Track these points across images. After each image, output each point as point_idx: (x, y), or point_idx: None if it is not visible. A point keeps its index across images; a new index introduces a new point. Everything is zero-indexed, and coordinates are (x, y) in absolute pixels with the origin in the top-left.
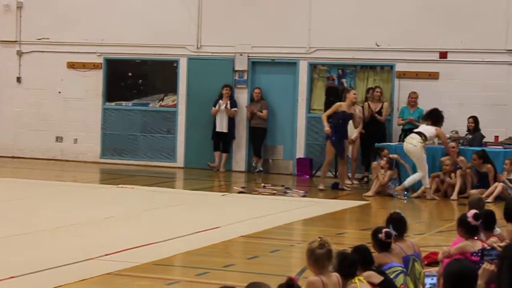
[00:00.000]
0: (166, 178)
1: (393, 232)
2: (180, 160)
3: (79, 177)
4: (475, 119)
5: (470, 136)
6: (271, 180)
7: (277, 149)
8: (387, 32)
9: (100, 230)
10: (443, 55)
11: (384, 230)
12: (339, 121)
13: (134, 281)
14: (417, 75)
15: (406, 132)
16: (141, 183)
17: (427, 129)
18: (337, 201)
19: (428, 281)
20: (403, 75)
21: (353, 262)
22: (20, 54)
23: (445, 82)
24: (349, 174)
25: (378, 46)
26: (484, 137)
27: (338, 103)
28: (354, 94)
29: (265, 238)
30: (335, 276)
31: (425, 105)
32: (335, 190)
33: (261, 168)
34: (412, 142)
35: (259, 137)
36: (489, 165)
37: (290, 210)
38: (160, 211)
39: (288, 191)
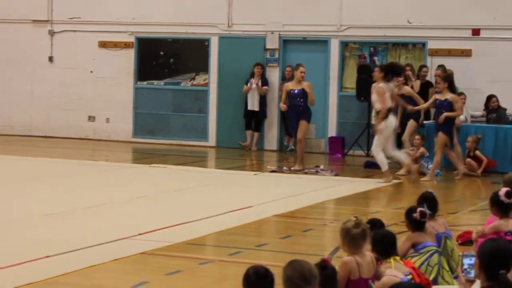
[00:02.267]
0: (198, 158)
1: (428, 211)
2: (212, 139)
3: (111, 157)
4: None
5: (494, 115)
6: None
7: (309, 128)
8: (419, 9)
9: (132, 210)
10: (476, 32)
11: (419, 209)
12: (292, 100)
13: (168, 260)
14: (449, 53)
15: None
16: (173, 162)
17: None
18: (369, 180)
19: (466, 261)
20: (435, 52)
21: (391, 242)
22: (52, 33)
23: (478, 59)
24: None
25: (410, 23)
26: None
27: (286, 84)
28: (301, 72)
29: (298, 217)
30: (369, 256)
31: (458, 83)
32: (368, 168)
33: (293, 147)
34: None
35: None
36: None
37: (322, 189)
38: (193, 190)
39: (319, 170)
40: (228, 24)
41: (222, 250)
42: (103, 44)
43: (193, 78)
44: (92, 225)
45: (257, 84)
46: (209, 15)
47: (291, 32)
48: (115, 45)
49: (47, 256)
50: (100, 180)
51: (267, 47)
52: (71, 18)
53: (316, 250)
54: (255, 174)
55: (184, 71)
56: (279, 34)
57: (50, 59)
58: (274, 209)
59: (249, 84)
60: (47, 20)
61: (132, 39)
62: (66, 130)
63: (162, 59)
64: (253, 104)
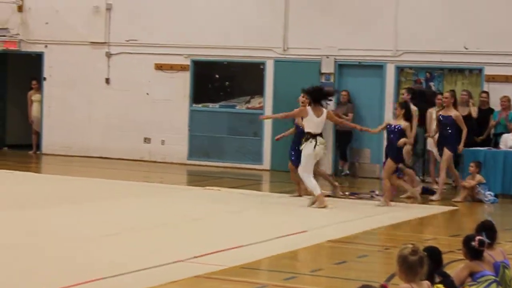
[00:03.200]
0: (253, 181)
1: (486, 240)
2: (266, 163)
3: (166, 179)
4: None
5: None
6: (357, 183)
7: (363, 152)
8: (475, 35)
9: (187, 232)
10: None
11: (477, 238)
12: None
13: (222, 284)
14: (507, 79)
15: (496, 136)
16: (227, 185)
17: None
18: (425, 206)
19: None
20: (492, 79)
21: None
22: (109, 55)
23: None
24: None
25: (466, 49)
26: None
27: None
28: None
29: (353, 243)
30: (426, 284)
31: None
32: (424, 194)
33: (347, 172)
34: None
35: (345, 141)
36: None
37: (377, 215)
38: (247, 214)
39: (375, 196)
40: (284, 48)
41: (277, 275)
42: (159, 67)
43: (248, 101)
44: (147, 247)
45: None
46: (265, 39)
47: (347, 56)
48: (171, 67)
49: (102, 278)
50: (155, 202)
51: (323, 71)
52: (128, 41)
53: (371, 276)
54: (310, 199)
55: (239, 94)
56: (335, 59)
57: (107, 81)
58: (329, 234)
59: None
60: (105, 42)
61: (188, 61)
62: (122, 151)
63: (218, 82)
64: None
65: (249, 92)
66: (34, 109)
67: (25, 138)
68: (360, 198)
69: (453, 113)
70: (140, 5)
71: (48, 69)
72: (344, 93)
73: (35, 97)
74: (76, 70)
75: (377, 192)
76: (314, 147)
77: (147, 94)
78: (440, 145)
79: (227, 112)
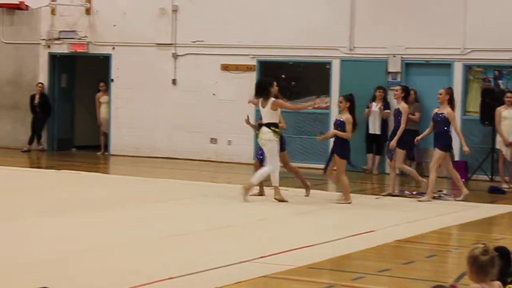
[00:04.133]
0: (319, 181)
1: None
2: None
3: (233, 179)
4: None
5: None
6: (424, 183)
7: (430, 152)
8: None
9: (254, 232)
10: None
11: None
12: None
13: (290, 284)
14: None
15: None
16: (294, 185)
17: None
18: (494, 206)
19: None
20: None
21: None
22: (175, 56)
23: None
24: (506, 178)
25: None
26: None
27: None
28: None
29: (420, 242)
30: (497, 284)
31: None
32: (492, 194)
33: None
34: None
35: (412, 140)
36: None
37: (445, 215)
38: (314, 213)
39: (442, 195)
40: (350, 47)
41: (344, 275)
42: (225, 67)
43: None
44: (214, 247)
45: (379, 108)
46: (331, 38)
47: (414, 55)
48: (237, 68)
49: (170, 278)
50: (221, 202)
51: (389, 70)
52: (195, 42)
53: (440, 276)
54: (377, 198)
55: (305, 94)
56: (402, 57)
57: (174, 81)
58: (397, 234)
59: (370, 108)
60: (171, 44)
61: (254, 62)
62: (189, 152)
63: (284, 82)
64: (374, 128)
65: (315, 92)
66: (102, 111)
67: (93, 139)
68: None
69: (446, 110)
70: (206, 6)
71: (115, 71)
72: (411, 92)
73: (103, 98)
74: (143, 71)
75: (444, 192)
76: (257, 137)
77: (214, 94)
78: (434, 142)
79: (293, 112)
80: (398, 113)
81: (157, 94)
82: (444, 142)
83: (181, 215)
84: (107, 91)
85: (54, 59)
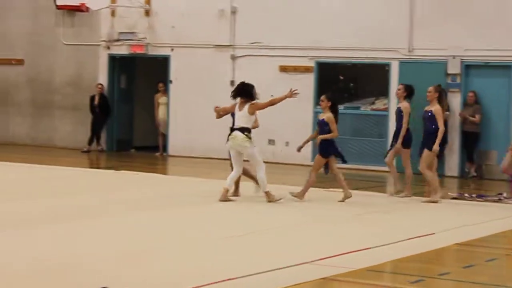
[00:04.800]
0: (377, 183)
1: None
2: None
3: (288, 180)
4: None
5: None
6: (485, 186)
7: (491, 154)
8: None
9: (312, 234)
10: None
11: None
12: None
13: (349, 286)
14: None
15: None
16: (351, 187)
17: (242, 115)
18: None
19: None
20: None
21: None
22: (233, 58)
23: None
24: None
25: None
26: None
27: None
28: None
29: (481, 246)
30: None
31: None
32: None
33: (474, 174)
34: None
35: (472, 142)
36: None
37: (505, 218)
38: (372, 216)
39: (502, 198)
40: (409, 48)
41: (403, 278)
42: (283, 69)
43: (373, 103)
44: (273, 248)
45: None
46: (390, 40)
47: (473, 57)
48: (295, 69)
49: (230, 279)
50: (279, 203)
51: (449, 72)
52: (253, 43)
53: (500, 280)
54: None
55: (363, 96)
56: (461, 59)
57: (232, 83)
58: (456, 237)
59: None
60: (230, 45)
61: (312, 63)
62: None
63: (342, 83)
64: None
65: (373, 94)
66: (161, 112)
67: (152, 140)
68: (487, 201)
69: (433, 108)
70: (264, 7)
71: (174, 72)
72: (470, 94)
73: (161, 99)
74: (201, 72)
75: (505, 195)
76: (228, 140)
77: (271, 96)
78: (422, 141)
79: (351, 113)
80: (399, 112)
81: (215, 95)
82: (433, 142)
83: (239, 216)
84: (165, 92)
85: (114, 60)
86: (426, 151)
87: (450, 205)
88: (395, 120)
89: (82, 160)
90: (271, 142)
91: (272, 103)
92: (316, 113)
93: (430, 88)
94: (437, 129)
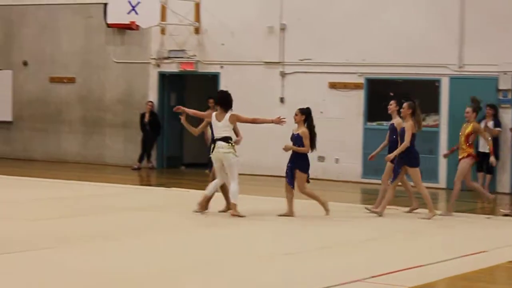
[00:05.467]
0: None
1: None
2: (442, 181)
3: (340, 197)
4: None
5: None
6: None
7: None
8: None
9: (363, 251)
10: None
11: None
12: None
13: None
14: None
15: None
16: (404, 204)
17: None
18: None
19: None
20: None
21: None
22: (283, 75)
23: None
24: None
25: None
26: None
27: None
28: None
29: None
30: None
31: None
32: None
33: None
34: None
35: None
36: None
37: None
38: (423, 233)
39: None
40: (459, 64)
41: None
42: (333, 85)
43: (423, 119)
44: (324, 266)
45: (486, 126)
46: (440, 56)
47: None
48: (345, 86)
49: None
50: (329, 220)
51: (500, 87)
52: (302, 60)
53: None
54: (488, 218)
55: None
56: None
57: (281, 100)
58: (509, 255)
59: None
60: (279, 62)
61: (361, 80)
62: None
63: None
64: (484, 146)
65: (424, 110)
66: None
67: (202, 157)
68: None
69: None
70: (313, 24)
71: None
72: None
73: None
74: (250, 90)
75: None
76: (212, 150)
77: (321, 112)
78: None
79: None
80: (392, 128)
81: (265, 112)
82: (408, 157)
83: (292, 233)
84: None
85: (164, 78)
86: (406, 168)
87: (502, 222)
88: (387, 136)
89: (132, 178)
90: (321, 158)
91: (254, 121)
92: (366, 130)
93: (404, 105)
94: (413, 145)
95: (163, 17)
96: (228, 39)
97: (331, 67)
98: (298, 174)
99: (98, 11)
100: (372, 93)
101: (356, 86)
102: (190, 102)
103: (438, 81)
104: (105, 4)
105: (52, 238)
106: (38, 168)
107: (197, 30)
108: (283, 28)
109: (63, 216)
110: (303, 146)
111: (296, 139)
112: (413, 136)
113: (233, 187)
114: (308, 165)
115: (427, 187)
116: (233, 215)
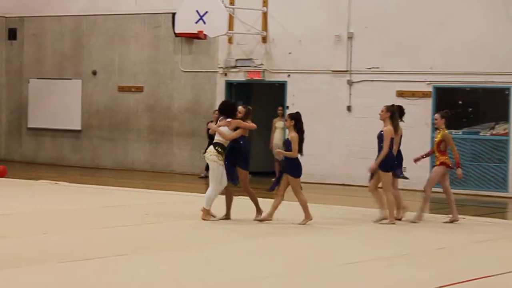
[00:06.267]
0: (497, 209)
1: None
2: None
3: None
4: None
5: None
6: None
7: None
8: None
9: (434, 261)
10: None
11: None
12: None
13: None
14: None
15: None
16: (470, 213)
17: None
18: None
19: None
20: None
21: None
22: (350, 83)
23: None
24: None
25: None
26: None
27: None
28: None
29: None
30: None
31: None
32: None
33: None
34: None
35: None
36: None
37: None
38: (492, 243)
39: None
40: None
41: None
42: (400, 94)
43: (493, 128)
44: (386, 277)
45: None
46: (509, 64)
47: None
48: (413, 94)
49: None
50: (396, 229)
51: None
52: (370, 68)
53: None
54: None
55: (483, 121)
56: None
57: (349, 108)
58: None
59: None
60: (346, 71)
61: (430, 88)
62: (364, 178)
63: (460, 108)
64: None
65: (493, 118)
66: (276, 136)
67: (268, 166)
68: None
69: (384, 128)
70: (381, 32)
71: (290, 98)
72: None
73: (278, 124)
74: (318, 98)
75: None
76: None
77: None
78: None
79: (470, 138)
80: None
81: (332, 120)
82: (385, 162)
83: (354, 242)
84: (283, 116)
85: (231, 86)
86: (380, 172)
87: None
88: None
89: (199, 186)
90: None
91: (247, 126)
92: (433, 139)
93: (383, 108)
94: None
95: (230, 26)
96: (295, 48)
97: (398, 76)
98: (290, 179)
99: (166, 21)
100: (441, 102)
101: (424, 95)
102: (256, 111)
103: (508, 89)
104: (173, 14)
105: (127, 245)
106: (106, 176)
107: (264, 39)
108: (350, 37)
109: (135, 224)
110: (289, 149)
111: (287, 143)
112: (392, 140)
113: (208, 192)
114: (300, 170)
115: (498, 196)
116: (203, 219)
